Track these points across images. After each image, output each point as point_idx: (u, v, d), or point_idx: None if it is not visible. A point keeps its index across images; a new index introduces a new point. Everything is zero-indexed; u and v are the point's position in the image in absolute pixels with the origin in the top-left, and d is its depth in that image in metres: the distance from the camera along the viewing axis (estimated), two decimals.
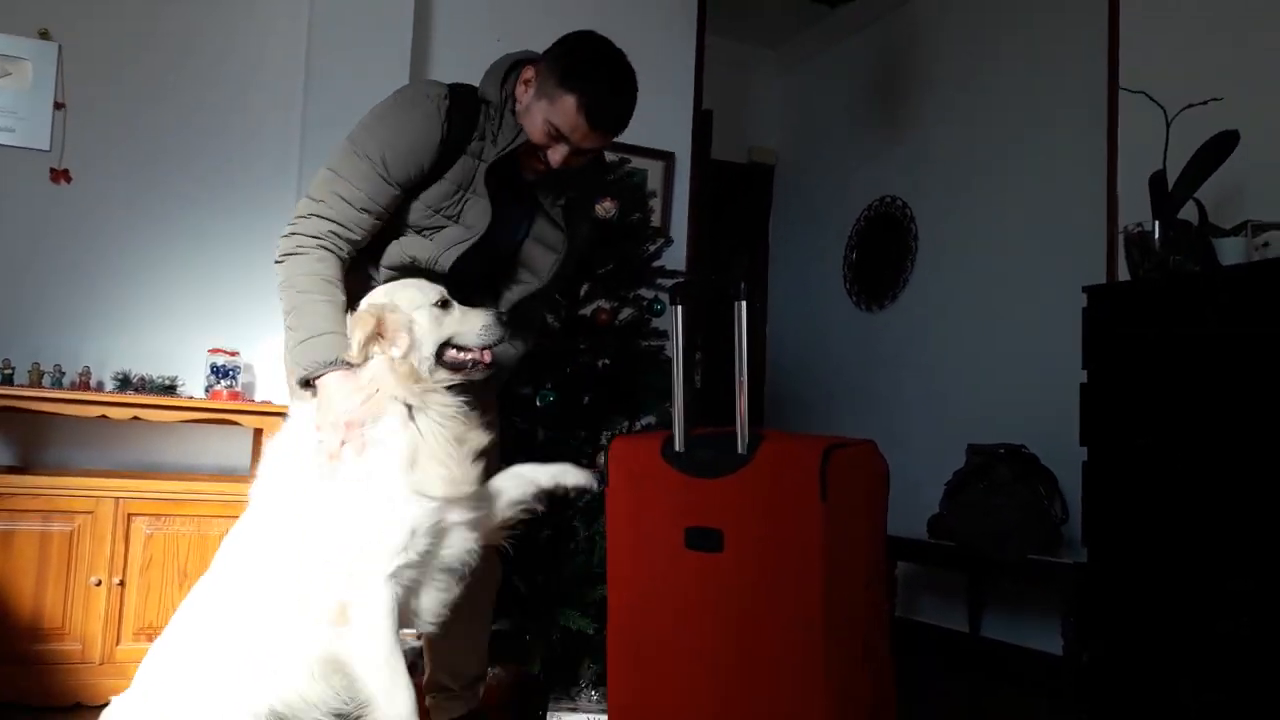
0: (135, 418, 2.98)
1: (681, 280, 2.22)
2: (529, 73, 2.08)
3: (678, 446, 2.09)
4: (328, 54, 3.43)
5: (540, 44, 2.20)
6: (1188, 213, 2.71)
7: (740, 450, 1.99)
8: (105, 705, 2.69)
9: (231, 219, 3.50)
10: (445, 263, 2.12)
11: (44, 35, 3.27)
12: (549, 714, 2.63)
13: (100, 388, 3.16)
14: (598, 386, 3.20)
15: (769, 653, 1.90)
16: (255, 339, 3.43)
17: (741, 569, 1.95)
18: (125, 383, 3.13)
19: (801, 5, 4.85)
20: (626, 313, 3.30)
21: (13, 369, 3.00)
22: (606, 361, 3.23)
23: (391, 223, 2.10)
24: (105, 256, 3.35)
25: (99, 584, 2.75)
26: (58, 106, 3.28)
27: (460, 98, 2.07)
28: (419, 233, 2.11)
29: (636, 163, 3.65)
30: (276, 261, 2.03)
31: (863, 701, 1.94)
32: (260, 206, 3.51)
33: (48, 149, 3.27)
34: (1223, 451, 2.32)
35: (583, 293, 3.14)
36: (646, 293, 3.32)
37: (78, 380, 3.10)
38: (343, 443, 1.87)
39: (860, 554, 1.96)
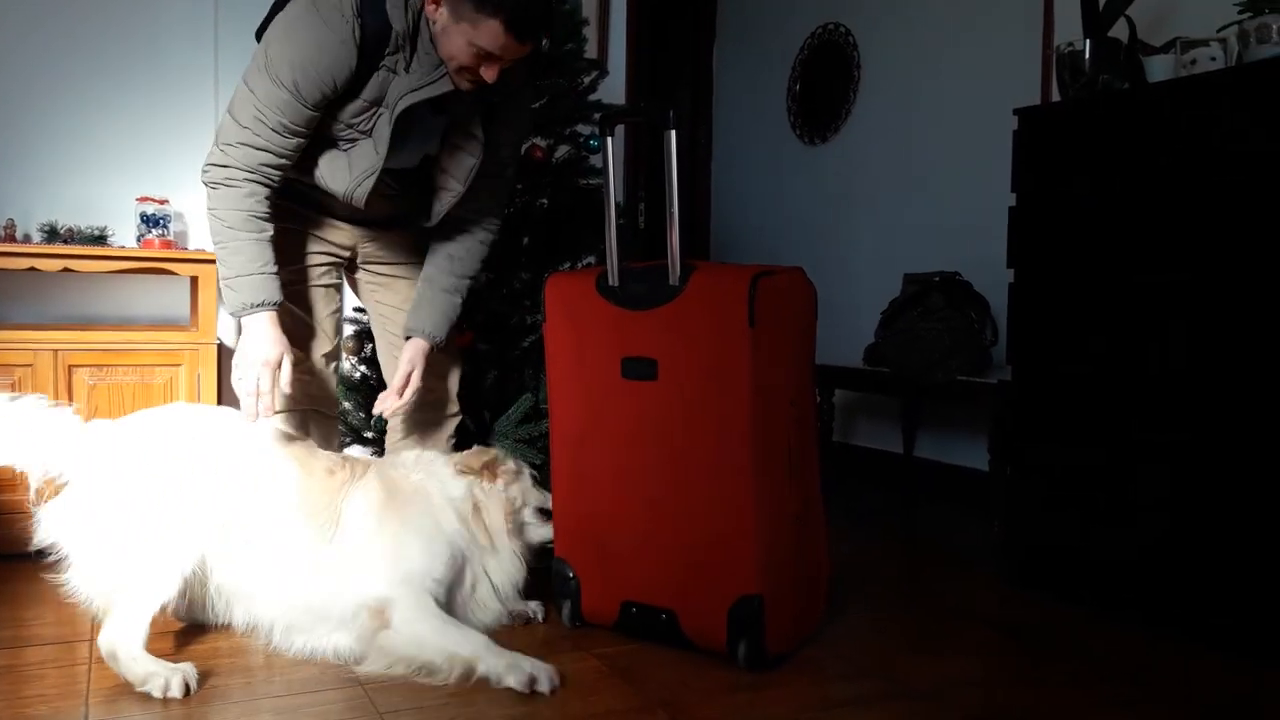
0: (66, 269, 2.93)
1: (609, 111, 2.20)
2: None
3: (611, 280, 2.13)
4: None
5: None
6: (1120, 32, 2.70)
7: (672, 281, 2.02)
8: None
9: (153, 61, 3.35)
10: (360, 197, 2.15)
11: None
12: None
13: (27, 240, 3.09)
14: (537, 227, 3.18)
15: (702, 471, 2.00)
16: (185, 186, 3.35)
17: (675, 395, 2.02)
18: (53, 234, 3.06)
19: None
20: (563, 150, 3.25)
21: None
22: (545, 202, 3.21)
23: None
24: (22, 104, 3.21)
25: None
26: None
27: (371, 14, 1.99)
28: (335, 145, 2.12)
29: None
30: (205, 183, 2.07)
31: (789, 510, 2.06)
32: (181, 47, 3.37)
33: None
34: (1144, 268, 2.40)
35: None
36: (583, 129, 3.26)
37: (2, 233, 3.03)
38: (258, 382, 2.03)
39: (786, 374, 2.04)
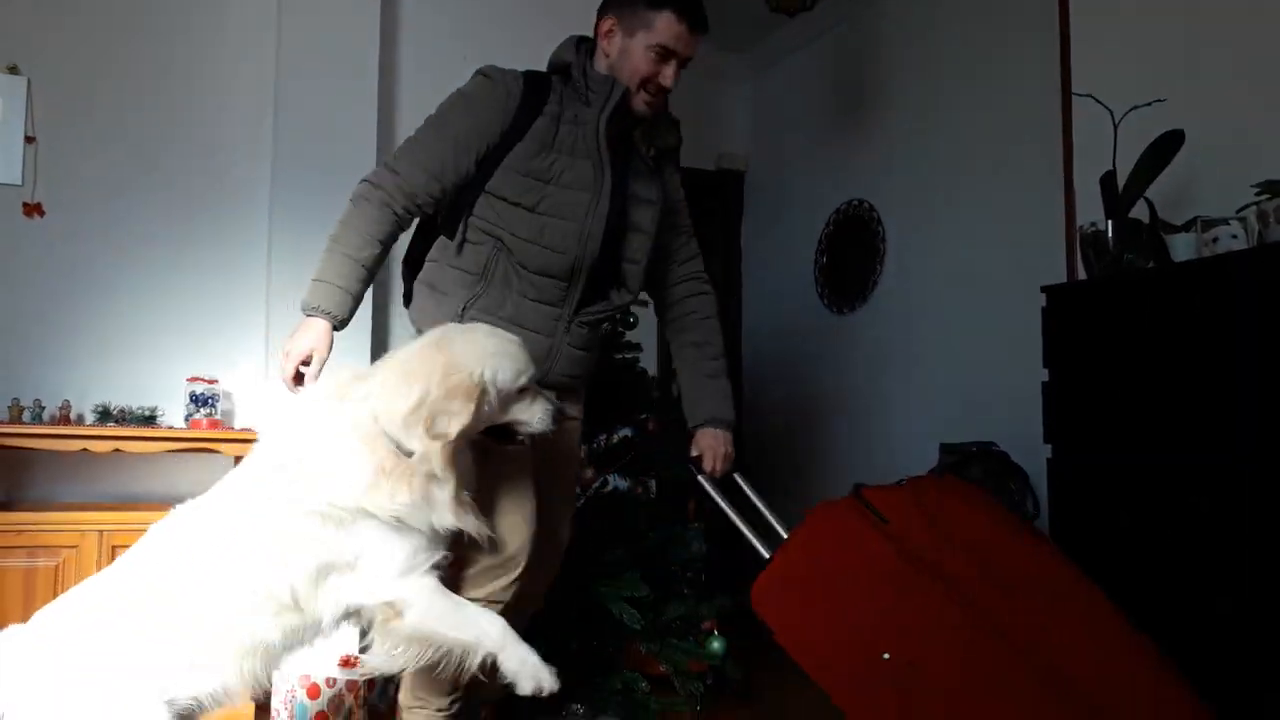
0: (116, 450, 3.00)
1: None
2: (606, 24, 2.23)
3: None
4: (296, 81, 3.45)
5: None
6: (1140, 212, 2.78)
7: None
8: None
9: (204, 247, 3.52)
10: (594, 235, 2.20)
11: (13, 70, 3.29)
12: None
13: (81, 420, 3.18)
14: None
15: None
16: (233, 366, 3.46)
17: None
18: (105, 415, 3.16)
19: (763, 13, 4.91)
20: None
21: None
22: None
23: (498, 212, 2.19)
24: (81, 289, 3.36)
25: None
26: (28, 140, 3.29)
27: (532, 74, 2.24)
28: (528, 210, 2.18)
29: None
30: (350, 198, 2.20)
31: None
32: (232, 234, 3.54)
33: (20, 183, 3.29)
34: (1179, 443, 2.39)
35: None
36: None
37: (58, 414, 3.12)
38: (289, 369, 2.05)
39: None
